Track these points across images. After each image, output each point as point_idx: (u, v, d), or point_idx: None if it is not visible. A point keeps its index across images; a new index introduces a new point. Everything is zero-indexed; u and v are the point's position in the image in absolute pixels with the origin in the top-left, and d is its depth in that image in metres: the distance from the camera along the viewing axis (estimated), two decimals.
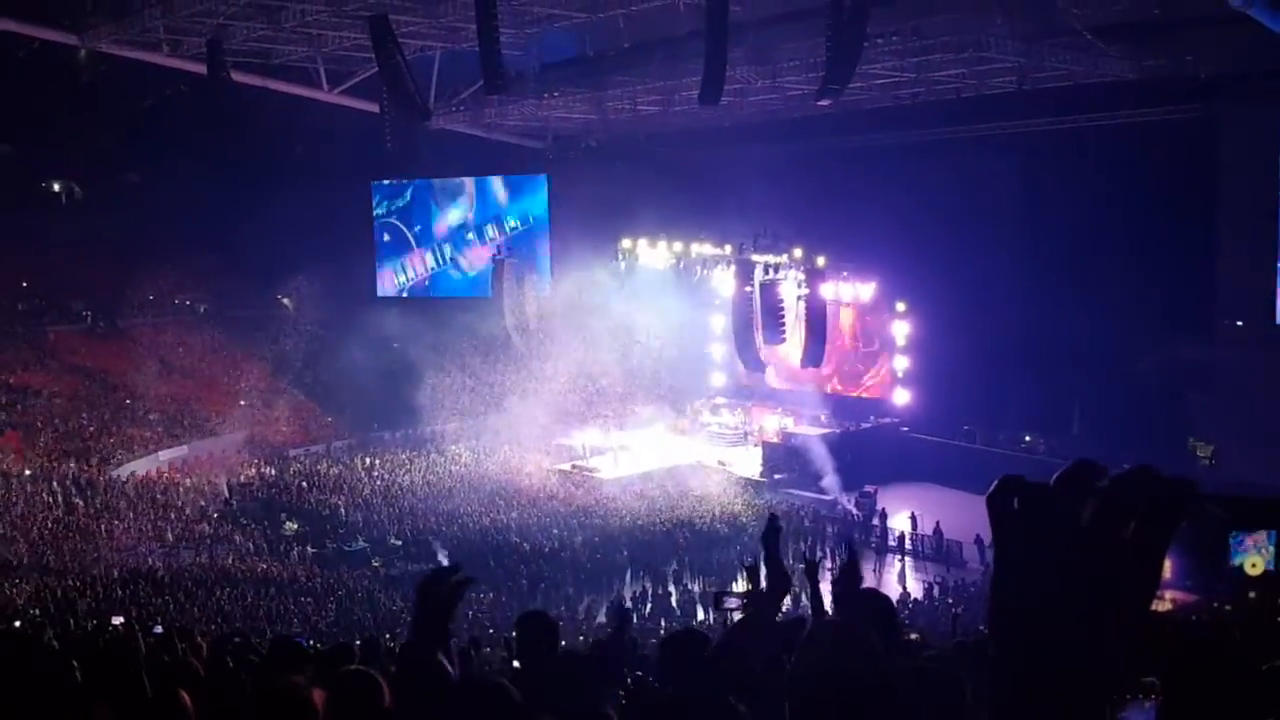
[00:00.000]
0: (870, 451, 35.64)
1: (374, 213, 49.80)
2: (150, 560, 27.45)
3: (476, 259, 48.32)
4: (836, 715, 2.35)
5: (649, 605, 26.28)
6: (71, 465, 33.78)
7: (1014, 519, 0.92)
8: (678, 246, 39.14)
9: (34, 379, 39.42)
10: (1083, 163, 32.28)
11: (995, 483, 0.94)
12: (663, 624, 23.73)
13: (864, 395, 40.18)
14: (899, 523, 31.51)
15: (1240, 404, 29.38)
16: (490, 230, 48.06)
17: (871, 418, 38.84)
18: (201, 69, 29.44)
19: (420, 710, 3.07)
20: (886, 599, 4.67)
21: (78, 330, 43.60)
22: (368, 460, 38.01)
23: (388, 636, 16.07)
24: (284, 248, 42.43)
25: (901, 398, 38.40)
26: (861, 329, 39.89)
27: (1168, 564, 0.88)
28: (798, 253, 35.48)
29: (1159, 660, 0.94)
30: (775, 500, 33.34)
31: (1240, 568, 0.87)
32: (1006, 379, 32.39)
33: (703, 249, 38.62)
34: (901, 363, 38.50)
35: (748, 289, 35.73)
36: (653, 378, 44.08)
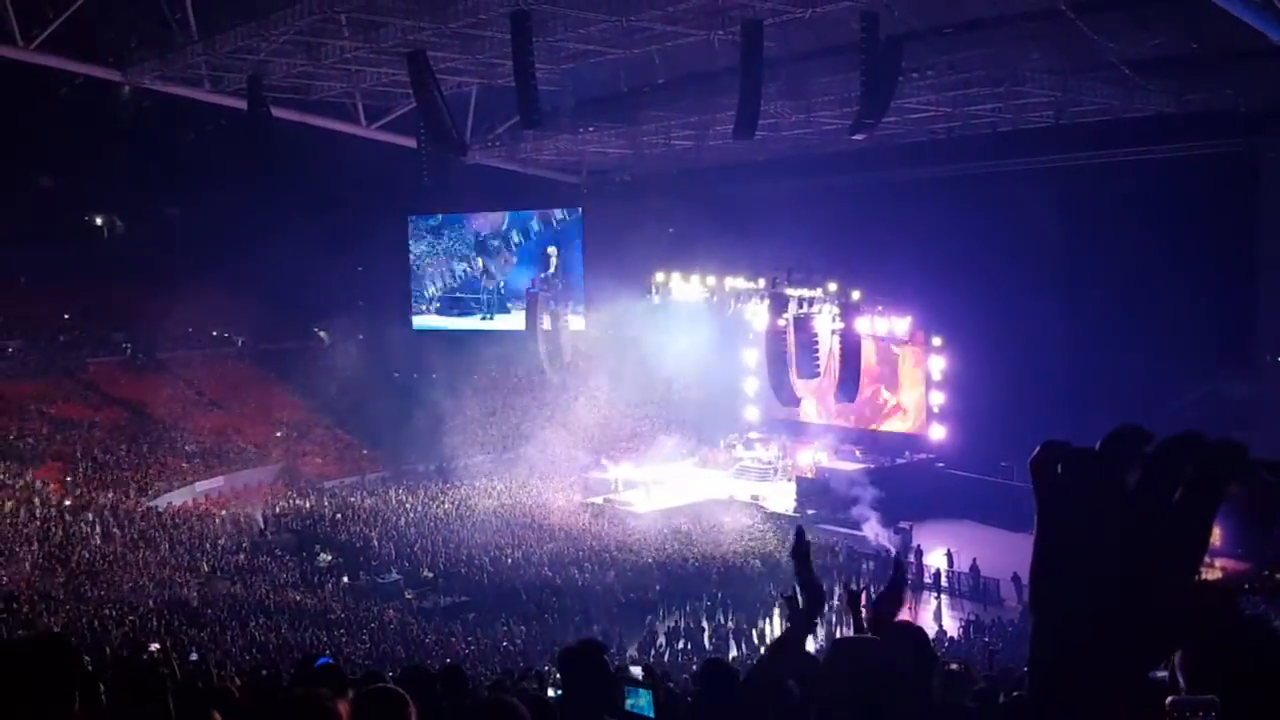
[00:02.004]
0: (906, 487, 35.32)
1: (409, 247, 50.32)
2: (185, 591, 27.61)
3: (506, 265, 48.63)
4: None
5: (682, 641, 26.09)
6: (109, 496, 34.17)
7: (1058, 483, 0.89)
8: (711, 280, 39.24)
9: (74, 410, 40.01)
10: (1121, 197, 32.00)
11: (1039, 447, 0.92)
12: (694, 661, 23.53)
13: (904, 430, 39.95)
14: (935, 560, 31.12)
15: None
16: (515, 236, 48.27)
17: (907, 453, 38.57)
18: (242, 104, 29.99)
19: None
20: (920, 630, 4.59)
21: (117, 362, 44.26)
22: (401, 493, 38.15)
23: (429, 662, 16.03)
24: (321, 281, 43.00)
25: (937, 433, 38.12)
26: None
27: (1218, 531, 0.85)
28: (832, 287, 35.45)
29: (1210, 629, 0.89)
30: (809, 537, 33.03)
31: None
32: (1044, 415, 31.92)
33: (736, 283, 38.69)
34: (937, 398, 38.27)
35: (781, 323, 35.67)
36: (685, 412, 44.03)
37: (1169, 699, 1.15)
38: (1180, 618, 0.85)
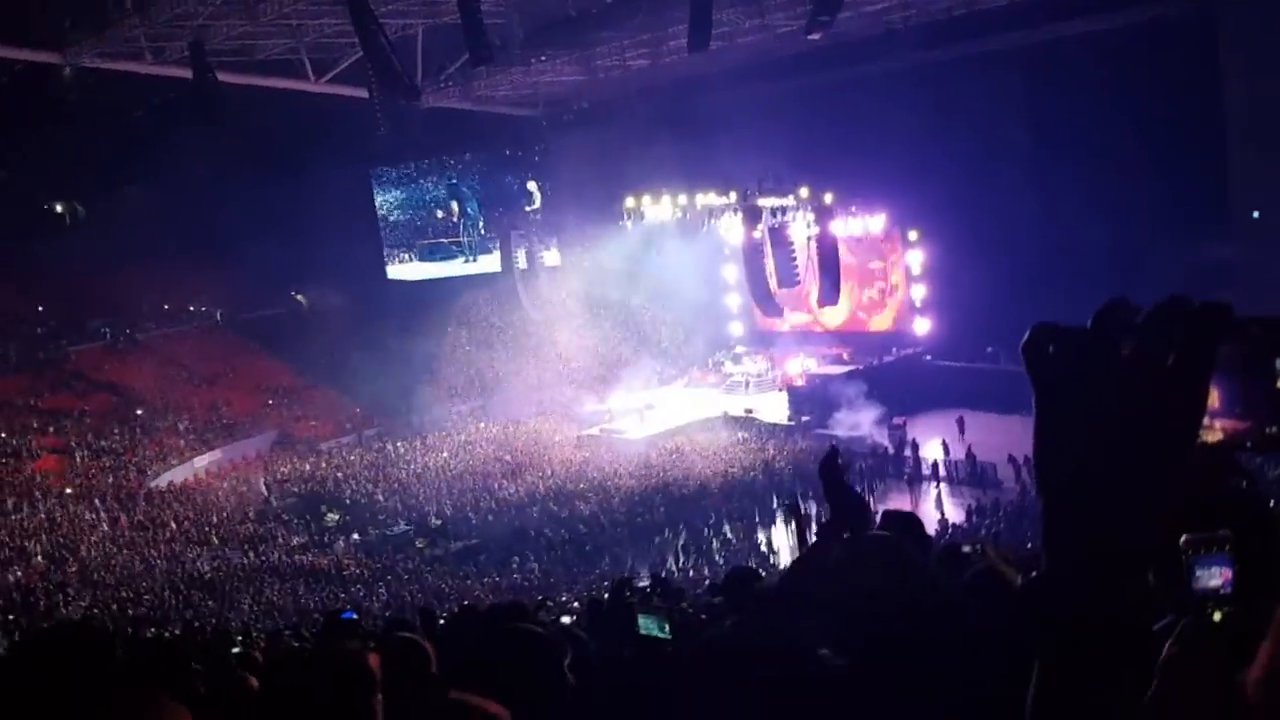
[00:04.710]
0: (897, 384, 35.55)
1: (375, 199, 49.74)
2: (199, 564, 27.85)
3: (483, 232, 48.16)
4: (883, 621, 2.37)
5: (692, 556, 26.51)
6: (110, 480, 34.21)
7: (1052, 364, 0.91)
8: (682, 199, 38.94)
9: (63, 400, 39.81)
10: (1083, 70, 31.72)
11: (1029, 330, 0.93)
12: (706, 573, 23.92)
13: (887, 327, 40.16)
14: (931, 451, 31.47)
15: (1267, 299, 29.01)
16: (472, 204, 47.80)
17: (894, 350, 38.75)
18: (187, 73, 29.36)
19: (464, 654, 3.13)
20: (913, 515, 4.68)
21: (99, 347, 43.92)
22: (399, 445, 38.30)
23: (446, 607, 16.32)
24: (291, 244, 42.50)
25: (922, 327, 38.31)
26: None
27: (1215, 392, 0.87)
28: (804, 192, 35.25)
29: (1216, 490, 0.92)
30: (805, 443, 33.38)
31: None
32: (1026, 296, 32.10)
33: (708, 199, 38.39)
34: (919, 291, 38.37)
35: (756, 235, 35.54)
36: (670, 334, 44.08)
37: (1183, 537, 1.18)
38: (1184, 480, 0.87)
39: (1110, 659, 0.89)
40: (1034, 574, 0.95)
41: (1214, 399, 0.87)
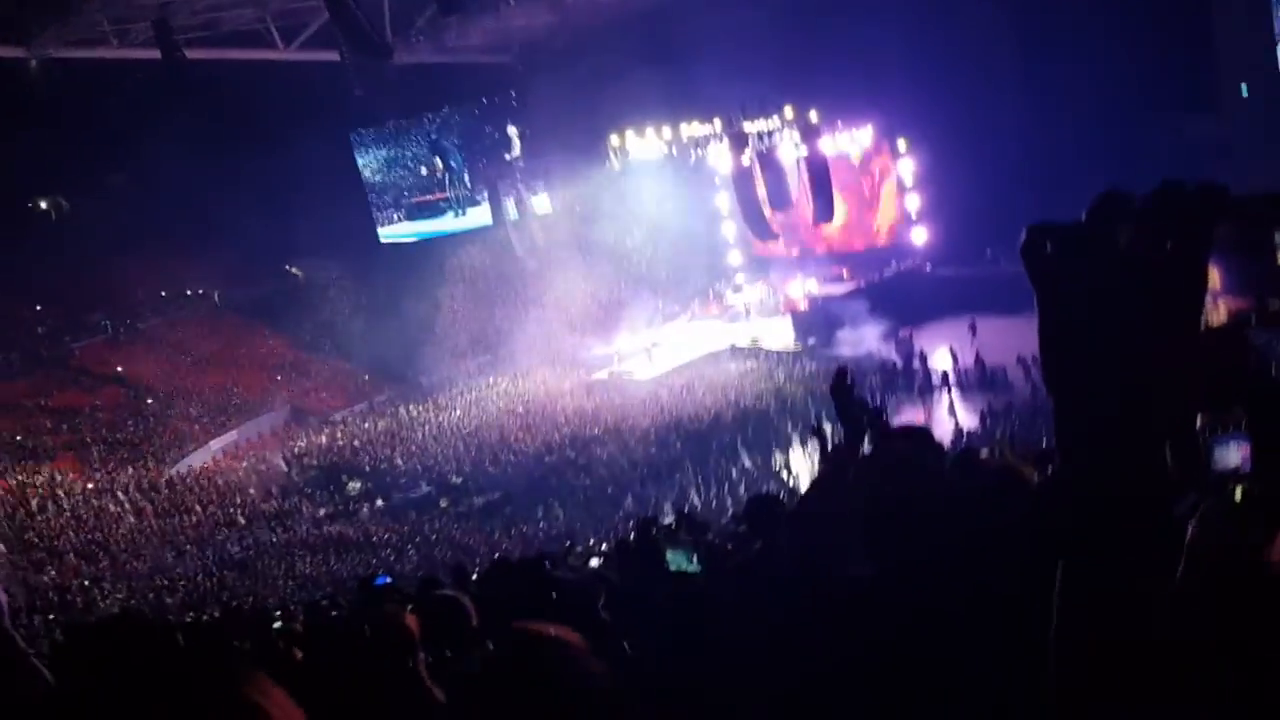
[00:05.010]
0: (899, 296, 35.43)
1: (358, 162, 49.38)
2: (229, 546, 28.15)
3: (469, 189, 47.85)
4: (905, 529, 2.39)
5: (713, 489, 26.71)
6: (129, 472, 34.43)
7: (1051, 262, 0.91)
8: (667, 132, 38.51)
9: (72, 397, 39.93)
10: None
11: (1024, 232, 0.93)
12: (729, 504, 24.14)
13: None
14: (940, 360, 31.43)
15: (1262, 175, 28.78)
16: (455, 158, 47.46)
17: (893, 262, 38.53)
18: (155, 54, 28.99)
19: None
20: (922, 427, 4.69)
21: (101, 341, 43.95)
22: (411, 409, 38.45)
23: (476, 562, 16.52)
24: (279, 218, 42.28)
25: (919, 237, 38.06)
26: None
27: (1215, 273, 0.87)
28: (789, 113, 34.82)
29: (1228, 369, 0.92)
30: (814, 366, 33.41)
31: None
32: (1020, 193, 31.82)
33: (692, 129, 37.95)
34: (913, 201, 38.06)
35: (745, 161, 35.23)
36: (668, 269, 43.92)
37: (1199, 418, 1.19)
38: (1193, 363, 0.88)
39: (1134, 546, 0.90)
40: (1051, 470, 0.95)
41: (1216, 279, 0.87)
